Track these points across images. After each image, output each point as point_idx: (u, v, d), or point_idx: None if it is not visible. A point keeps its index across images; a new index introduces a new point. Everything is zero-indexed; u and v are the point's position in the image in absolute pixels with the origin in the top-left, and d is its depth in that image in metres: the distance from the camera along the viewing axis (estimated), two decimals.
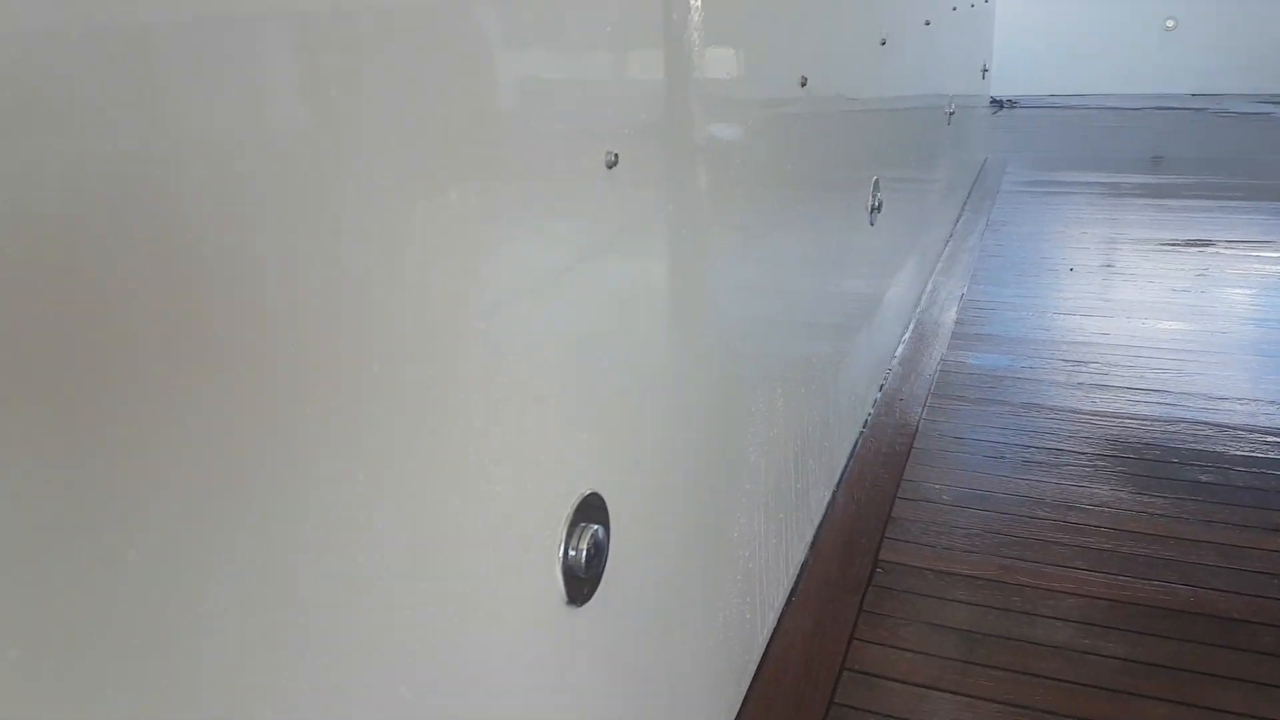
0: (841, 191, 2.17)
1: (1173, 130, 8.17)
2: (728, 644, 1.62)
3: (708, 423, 1.40)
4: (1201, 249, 4.69)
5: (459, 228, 0.74)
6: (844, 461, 2.48)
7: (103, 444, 0.46)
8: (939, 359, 3.32)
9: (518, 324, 0.84)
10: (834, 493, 2.35)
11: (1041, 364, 3.31)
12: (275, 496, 0.58)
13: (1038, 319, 3.79)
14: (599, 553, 1.02)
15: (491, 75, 0.78)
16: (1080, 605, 2.02)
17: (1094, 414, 2.90)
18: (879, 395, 2.92)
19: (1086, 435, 2.76)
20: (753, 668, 1.78)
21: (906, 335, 3.42)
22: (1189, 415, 2.87)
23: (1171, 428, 2.80)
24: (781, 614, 1.93)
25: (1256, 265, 4.46)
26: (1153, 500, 2.41)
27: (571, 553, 0.98)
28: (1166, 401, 2.98)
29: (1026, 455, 2.65)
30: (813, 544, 2.15)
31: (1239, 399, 2.98)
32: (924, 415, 2.88)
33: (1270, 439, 2.69)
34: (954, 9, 4.19)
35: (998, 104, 8.69)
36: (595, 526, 1.00)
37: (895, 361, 3.21)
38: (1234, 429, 2.77)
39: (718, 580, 1.52)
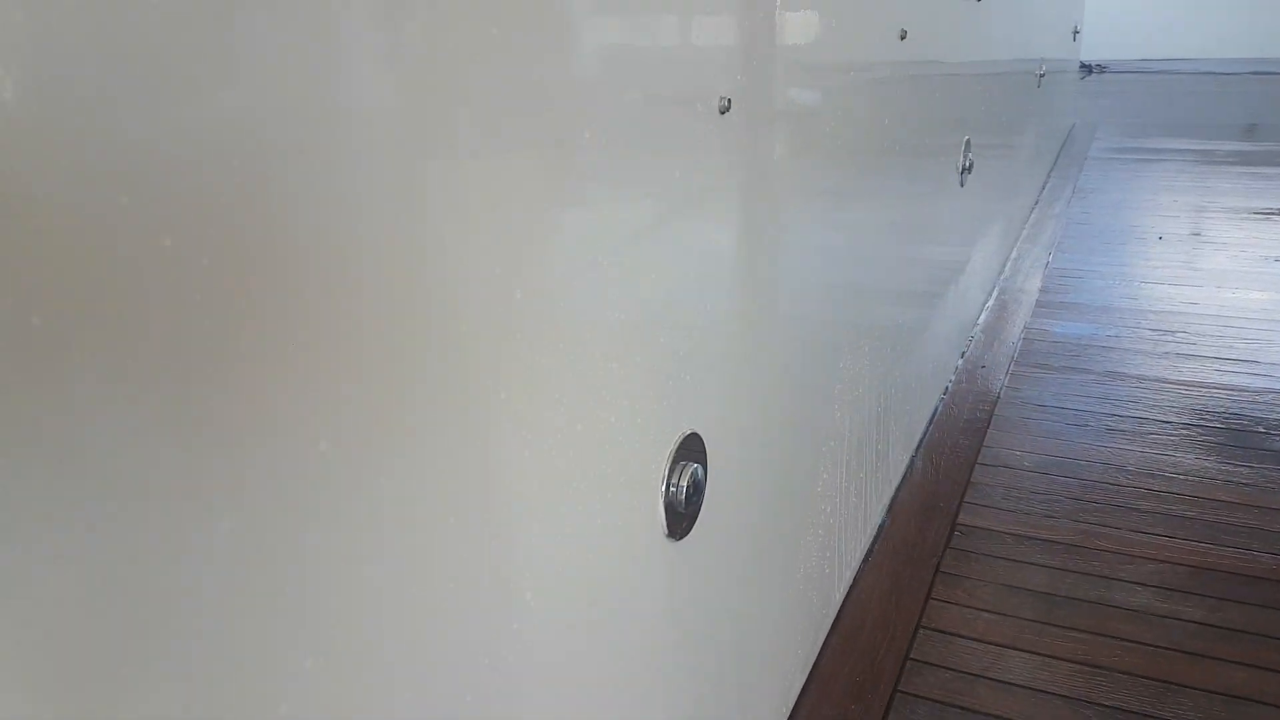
0: (935, 150, 2.18)
1: (1271, 97, 7.88)
2: (807, 595, 1.66)
3: (798, 377, 1.44)
4: None
5: (578, 180, 0.80)
6: (924, 427, 2.50)
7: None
8: (1022, 327, 3.30)
9: (628, 269, 0.89)
10: (913, 457, 2.38)
11: (1127, 333, 3.27)
12: (420, 436, 0.65)
13: (1124, 287, 3.74)
14: (697, 491, 1.07)
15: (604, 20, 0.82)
16: (1160, 570, 2.03)
17: (1180, 383, 2.87)
18: (960, 363, 2.92)
19: (1172, 404, 2.74)
20: (829, 622, 1.83)
21: (990, 303, 3.41)
22: (1278, 386, 2.83)
23: (1259, 398, 2.76)
24: (858, 572, 1.97)
25: None
26: (1237, 469, 2.39)
27: (673, 488, 1.04)
28: (1255, 372, 2.93)
29: (1110, 423, 2.64)
30: (890, 506, 2.19)
31: None
32: (1006, 383, 2.88)
33: None
34: None
35: (1086, 69, 8.46)
36: (695, 465, 1.06)
37: (978, 329, 3.20)
38: None
39: (800, 532, 1.57)
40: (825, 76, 1.37)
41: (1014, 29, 3.25)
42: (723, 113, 0.98)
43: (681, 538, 1.08)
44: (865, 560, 2.01)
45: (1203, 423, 2.63)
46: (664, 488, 1.03)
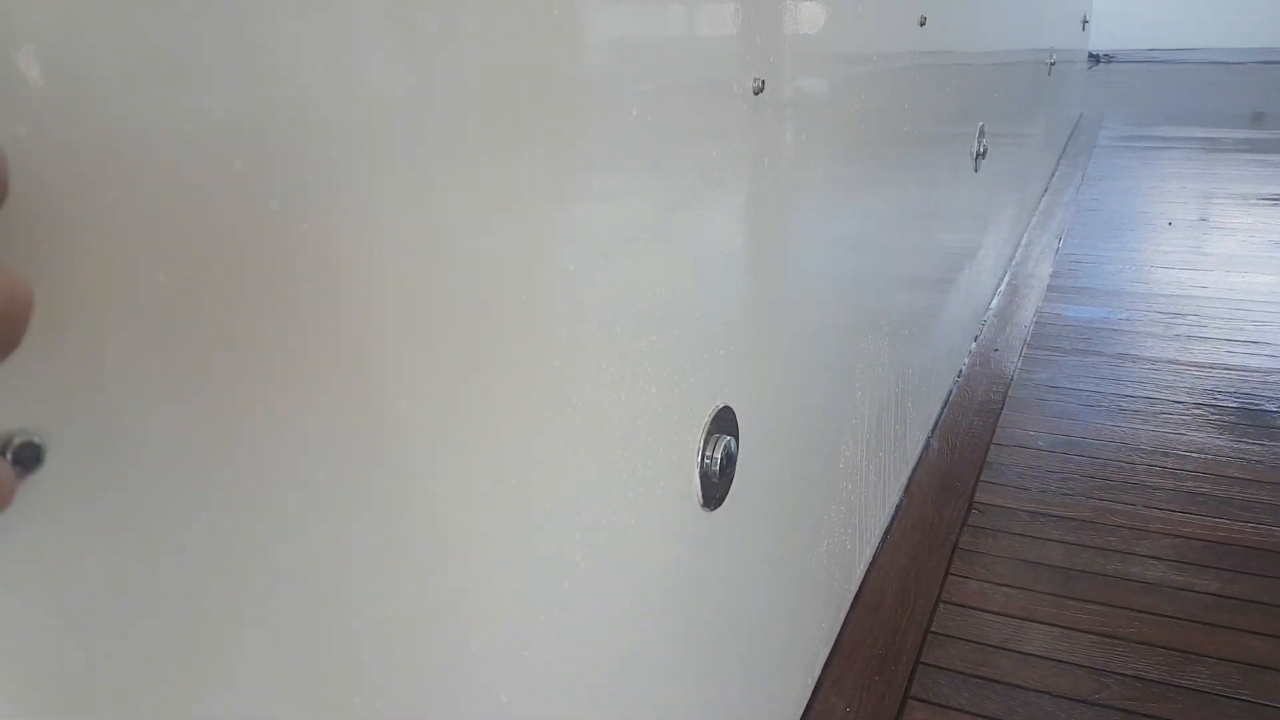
0: (951, 137, 2.22)
1: (1277, 85, 7.89)
2: (830, 570, 1.71)
3: (822, 356, 1.49)
4: None
5: (625, 157, 0.84)
6: (939, 409, 2.54)
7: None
8: (1034, 311, 3.34)
9: (667, 245, 0.94)
10: (929, 437, 2.42)
11: (1138, 316, 3.31)
12: (490, 407, 0.69)
13: (1134, 272, 3.77)
14: (730, 462, 1.12)
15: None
16: (1175, 545, 2.07)
17: (1190, 364, 2.91)
18: (974, 346, 2.96)
19: (1183, 385, 2.78)
20: (850, 597, 1.87)
21: (1002, 288, 3.45)
22: None
23: (1269, 378, 2.80)
24: (878, 549, 2.02)
25: None
26: (1249, 447, 2.43)
27: (707, 459, 1.08)
28: (1265, 353, 2.97)
29: (1122, 404, 2.68)
30: (908, 486, 2.23)
31: None
32: (1019, 365, 2.92)
33: None
34: None
35: (1094, 59, 8.48)
36: (728, 438, 1.10)
37: (991, 313, 3.24)
38: None
39: (824, 508, 1.61)
40: (849, 62, 1.41)
41: (1026, 18, 3.29)
42: (756, 93, 1.02)
43: (715, 508, 1.13)
44: (884, 537, 2.05)
45: (1214, 402, 2.67)
46: (699, 458, 1.07)
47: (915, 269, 2.10)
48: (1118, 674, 1.73)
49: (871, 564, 1.97)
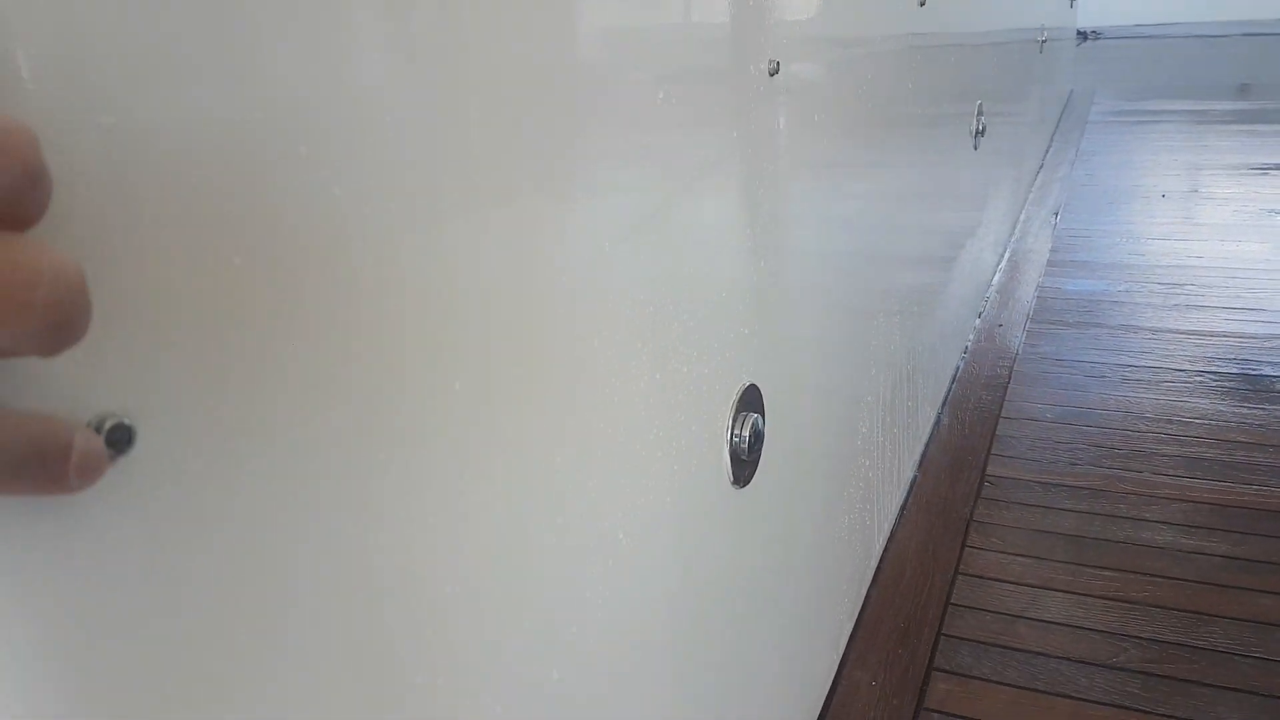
0: (952, 116, 2.25)
1: (1260, 57, 7.94)
2: (851, 546, 1.74)
3: (841, 335, 1.51)
4: None
5: (657, 136, 0.86)
6: (948, 384, 2.57)
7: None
8: (1036, 285, 3.37)
9: (696, 226, 0.96)
10: (939, 413, 2.45)
11: (1137, 287, 3.34)
12: (539, 385, 0.72)
13: (1131, 244, 3.81)
14: (758, 440, 1.14)
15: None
16: (1184, 509, 2.10)
17: (1190, 332, 2.95)
18: (978, 322, 2.99)
19: (1184, 353, 2.81)
20: (870, 573, 1.90)
21: (1002, 264, 3.48)
22: None
23: (1267, 343, 2.83)
24: (895, 525, 2.05)
25: None
26: (1251, 411, 2.47)
27: (736, 437, 1.10)
28: (1262, 319, 3.01)
29: (1126, 374, 2.71)
30: (921, 462, 2.26)
31: None
32: (1024, 340, 2.95)
33: None
34: None
35: (1082, 35, 8.50)
36: (755, 415, 1.13)
37: (993, 289, 3.27)
38: None
39: (844, 485, 1.64)
40: (855, 44, 1.44)
41: None
42: (772, 75, 1.04)
43: (744, 486, 1.15)
44: (900, 513, 2.08)
45: (1215, 369, 2.70)
46: (729, 436, 1.10)
47: (921, 247, 2.12)
48: (1135, 637, 1.76)
49: (890, 539, 2.00)
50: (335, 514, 0.53)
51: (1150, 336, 2.94)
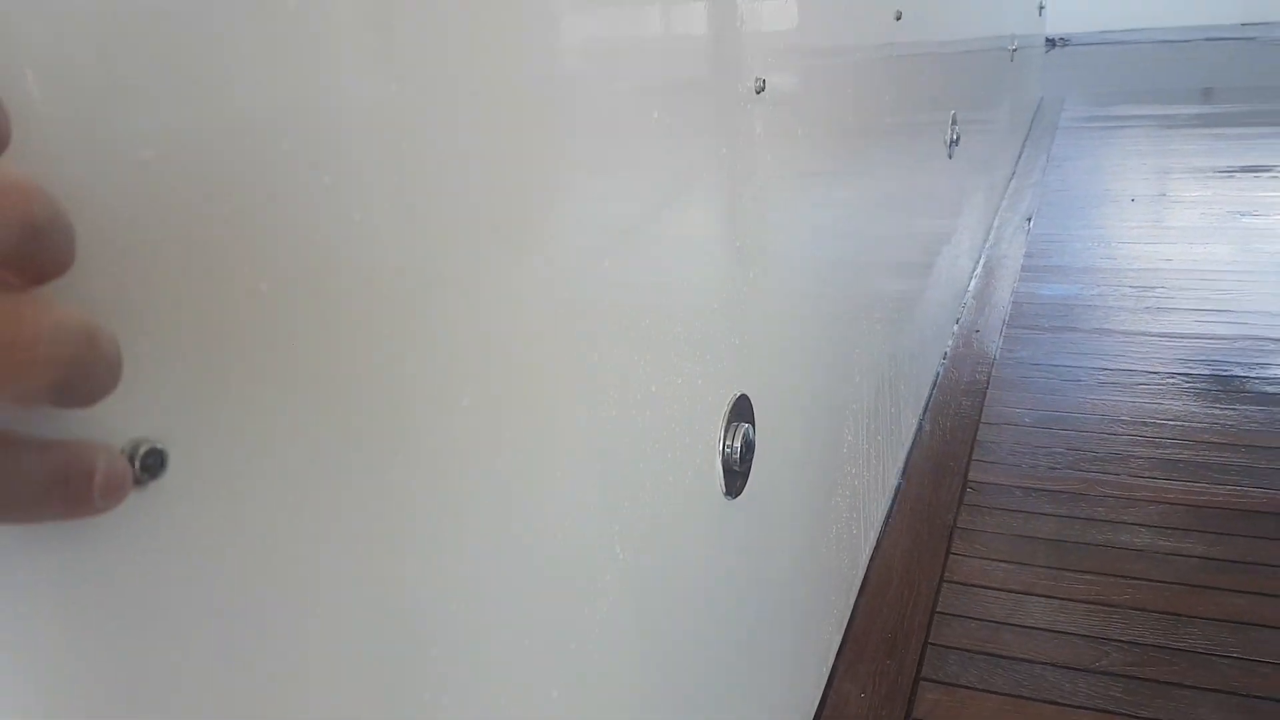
0: (927, 125, 2.27)
1: (1223, 61, 8.06)
2: (839, 556, 1.74)
3: (826, 344, 1.52)
4: (1257, 174, 4.73)
5: (650, 153, 0.87)
6: (928, 391, 2.59)
7: None
8: (1011, 291, 3.40)
9: (686, 240, 0.97)
10: (920, 420, 2.47)
11: (1110, 291, 3.39)
12: (547, 396, 0.72)
13: (1103, 248, 3.86)
14: (749, 450, 1.15)
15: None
16: (1161, 511, 2.13)
17: (1162, 335, 2.99)
18: (956, 328, 3.02)
19: (1157, 355, 2.86)
20: (858, 582, 1.91)
21: (978, 270, 3.51)
22: (1253, 332, 2.97)
23: (1235, 344, 2.88)
24: (880, 533, 2.06)
25: None
26: (1222, 412, 2.51)
27: (728, 448, 1.11)
28: (1230, 320, 3.06)
29: (1101, 377, 2.74)
30: (904, 469, 2.27)
31: None
32: (1001, 345, 2.98)
33: None
34: None
35: (1050, 43, 8.61)
36: (746, 425, 1.13)
37: (969, 295, 3.30)
38: None
39: (831, 494, 1.65)
40: (837, 58, 1.45)
41: (989, 7, 3.36)
42: (758, 92, 1.05)
43: (736, 496, 1.15)
44: (886, 522, 2.09)
45: (1186, 371, 2.75)
46: (720, 447, 1.10)
47: (901, 255, 2.14)
48: (1116, 641, 1.78)
49: (876, 548, 2.01)
50: (353, 529, 0.53)
51: (1124, 339, 2.98)
